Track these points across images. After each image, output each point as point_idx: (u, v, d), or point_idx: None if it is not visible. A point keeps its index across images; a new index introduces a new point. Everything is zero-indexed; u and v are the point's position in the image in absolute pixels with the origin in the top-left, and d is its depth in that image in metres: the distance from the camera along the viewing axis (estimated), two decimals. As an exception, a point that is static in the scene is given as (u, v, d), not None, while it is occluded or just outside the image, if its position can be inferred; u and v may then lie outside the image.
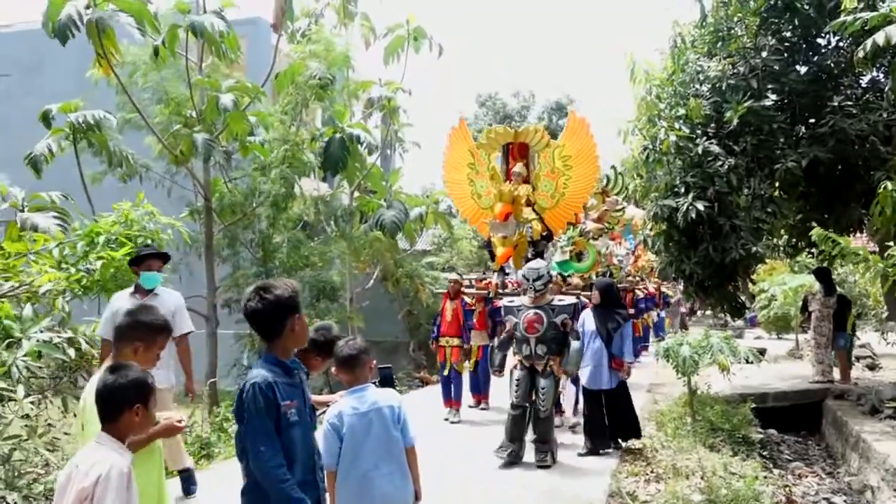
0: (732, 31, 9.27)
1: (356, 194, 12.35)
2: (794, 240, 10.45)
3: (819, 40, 9.19)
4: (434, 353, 8.48)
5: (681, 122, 8.93)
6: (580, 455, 6.25)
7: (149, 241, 5.74)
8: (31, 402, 4.34)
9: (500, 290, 7.71)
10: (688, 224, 8.48)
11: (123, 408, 2.31)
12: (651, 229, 9.60)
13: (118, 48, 8.06)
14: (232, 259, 11.77)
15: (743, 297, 10.90)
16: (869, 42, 6.62)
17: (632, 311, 12.07)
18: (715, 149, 8.56)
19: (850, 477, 7.43)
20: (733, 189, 8.65)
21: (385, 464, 3.02)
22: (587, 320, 6.38)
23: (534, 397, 5.93)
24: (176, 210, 9.90)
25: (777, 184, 9.04)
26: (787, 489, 6.83)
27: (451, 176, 8.98)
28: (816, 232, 7.53)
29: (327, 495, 2.82)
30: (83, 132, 8.29)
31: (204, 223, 10.55)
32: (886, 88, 8.47)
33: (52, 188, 6.49)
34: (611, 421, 6.41)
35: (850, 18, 7.08)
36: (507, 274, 8.01)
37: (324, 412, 3.21)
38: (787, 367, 12.33)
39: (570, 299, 6.29)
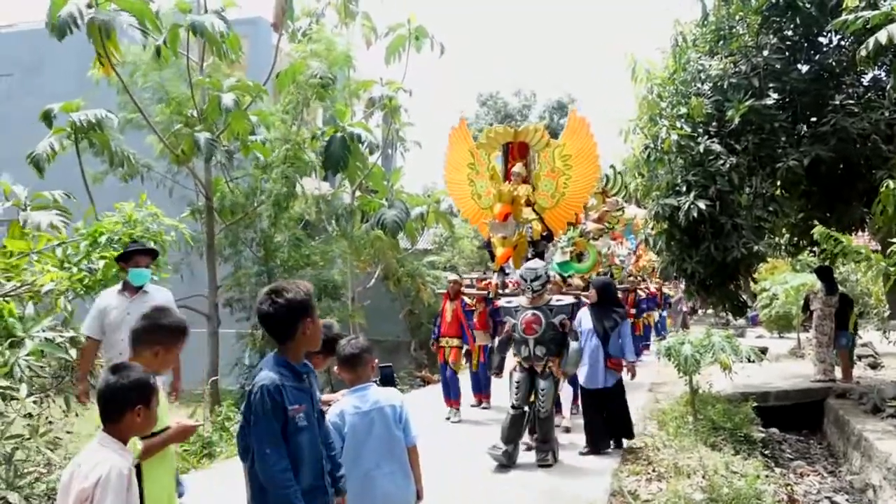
0: (734, 30, 9.25)
1: (357, 193, 12.35)
2: (795, 238, 10.43)
3: (821, 39, 9.17)
4: (435, 353, 8.49)
5: (682, 120, 8.91)
6: (581, 454, 6.25)
7: (150, 242, 5.72)
8: (34, 402, 4.35)
9: (501, 291, 7.69)
10: (689, 223, 8.47)
11: (125, 408, 2.30)
12: (652, 228, 9.57)
13: (119, 48, 8.06)
14: (233, 258, 11.80)
15: (744, 296, 10.89)
16: (871, 40, 6.60)
17: (633, 311, 12.10)
18: (716, 147, 8.55)
19: (852, 476, 7.42)
20: (735, 188, 8.63)
21: (387, 463, 3.02)
22: (584, 319, 6.36)
23: (533, 399, 5.91)
24: (177, 209, 9.93)
25: (779, 182, 9.02)
26: (788, 488, 6.81)
27: (451, 176, 8.97)
28: (818, 230, 7.51)
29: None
30: (84, 132, 8.29)
31: (205, 222, 10.57)
32: (888, 87, 8.45)
33: (54, 188, 6.49)
34: (607, 420, 6.40)
35: (851, 17, 7.06)
36: (507, 274, 7.99)
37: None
38: (788, 365, 12.32)
39: (569, 299, 6.24)
